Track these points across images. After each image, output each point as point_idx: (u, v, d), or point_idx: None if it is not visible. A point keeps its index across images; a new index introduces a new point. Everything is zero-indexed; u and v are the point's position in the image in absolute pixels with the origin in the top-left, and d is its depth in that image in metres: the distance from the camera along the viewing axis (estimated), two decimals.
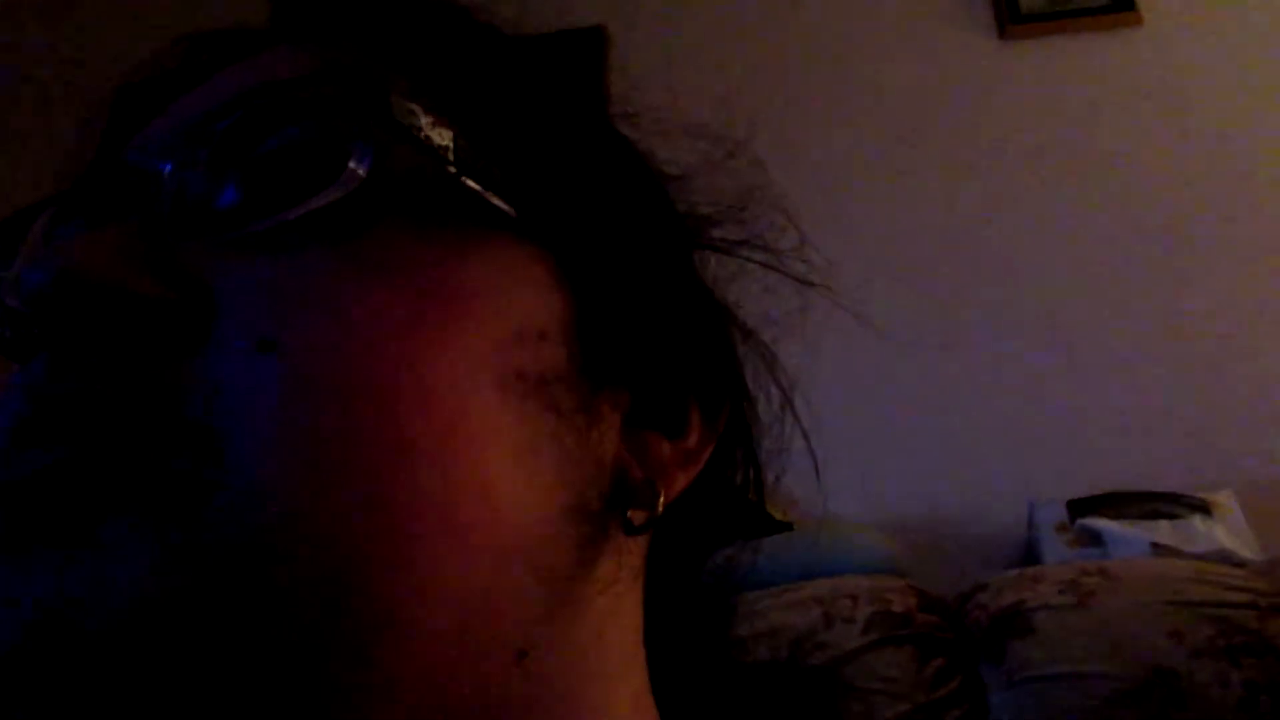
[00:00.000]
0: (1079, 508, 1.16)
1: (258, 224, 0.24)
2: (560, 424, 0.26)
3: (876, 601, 0.96)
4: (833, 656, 0.91)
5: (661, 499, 0.27)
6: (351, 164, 0.24)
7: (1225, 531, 1.09)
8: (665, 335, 0.30)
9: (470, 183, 0.26)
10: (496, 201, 0.26)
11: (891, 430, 1.36)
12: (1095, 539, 1.12)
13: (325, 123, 0.25)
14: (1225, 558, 1.02)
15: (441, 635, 0.22)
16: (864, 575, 1.05)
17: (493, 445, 0.24)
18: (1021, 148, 1.48)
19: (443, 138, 0.25)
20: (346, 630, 0.21)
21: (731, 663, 0.35)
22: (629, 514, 0.27)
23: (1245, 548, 1.08)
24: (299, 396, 0.21)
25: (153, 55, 0.33)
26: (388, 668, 0.21)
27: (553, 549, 0.25)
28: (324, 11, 0.31)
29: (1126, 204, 1.42)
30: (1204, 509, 1.13)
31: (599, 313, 0.28)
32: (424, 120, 0.25)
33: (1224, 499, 1.15)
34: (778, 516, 1.30)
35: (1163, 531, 1.09)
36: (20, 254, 0.27)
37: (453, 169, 0.25)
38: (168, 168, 0.25)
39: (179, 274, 0.23)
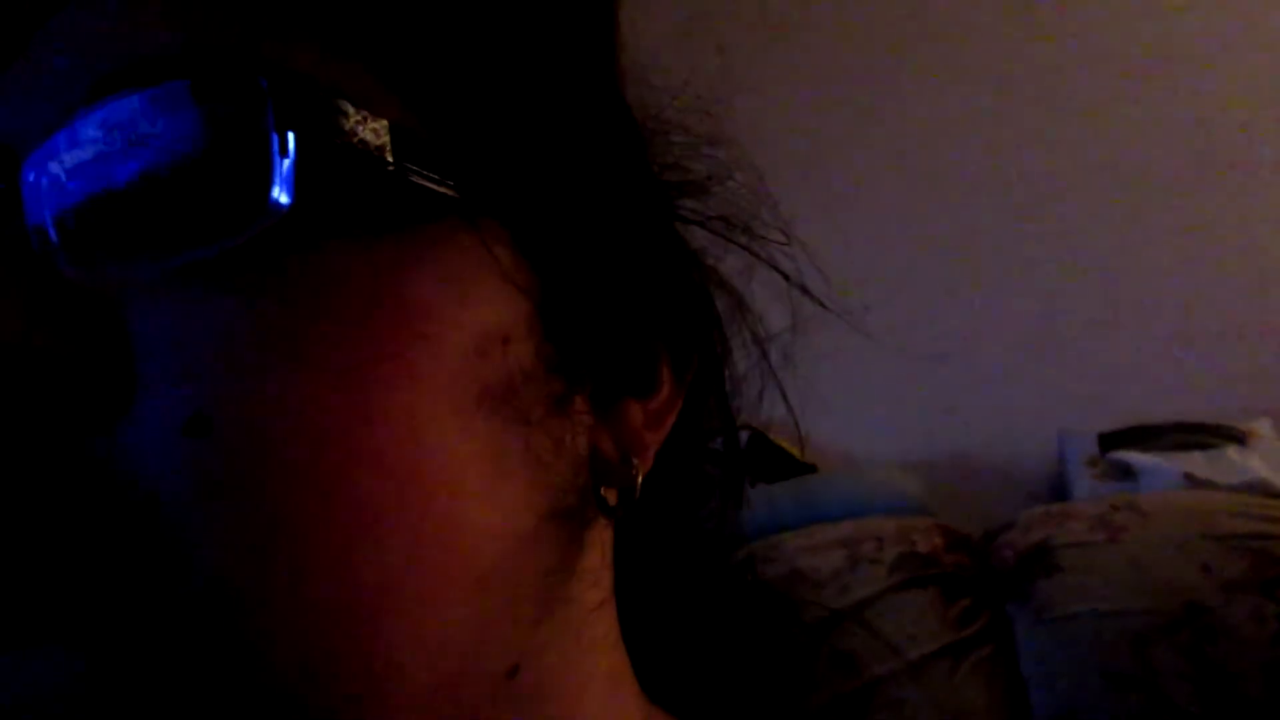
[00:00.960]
0: (1109, 441, 1.14)
1: (164, 259, 0.21)
2: (531, 433, 0.24)
3: (902, 542, 0.95)
4: (858, 599, 0.90)
5: (639, 475, 0.26)
6: (275, 191, 0.20)
7: (1262, 461, 1.06)
8: (632, 293, 0.27)
9: (413, 178, 0.22)
10: (444, 190, 0.23)
11: (916, 367, 1.34)
12: (1126, 472, 1.10)
13: (229, 128, 0.21)
14: (1262, 489, 1.00)
15: (431, 682, 0.22)
16: (889, 516, 1.04)
17: (460, 483, 0.22)
18: (1025, 54, 1.43)
19: (377, 135, 0.22)
20: (329, 708, 0.20)
21: (722, 616, 0.34)
22: (603, 492, 0.26)
23: None
24: (239, 481, 0.20)
25: None
26: None
27: (534, 562, 0.24)
28: None
29: (1155, 115, 1.37)
30: (1239, 439, 1.10)
31: (568, 294, 0.25)
32: (354, 119, 0.22)
33: (1261, 427, 1.12)
34: (799, 458, 1.27)
35: (1196, 463, 1.07)
36: None
37: (391, 166, 0.22)
38: (31, 174, 0.22)
39: (84, 319, 0.21)
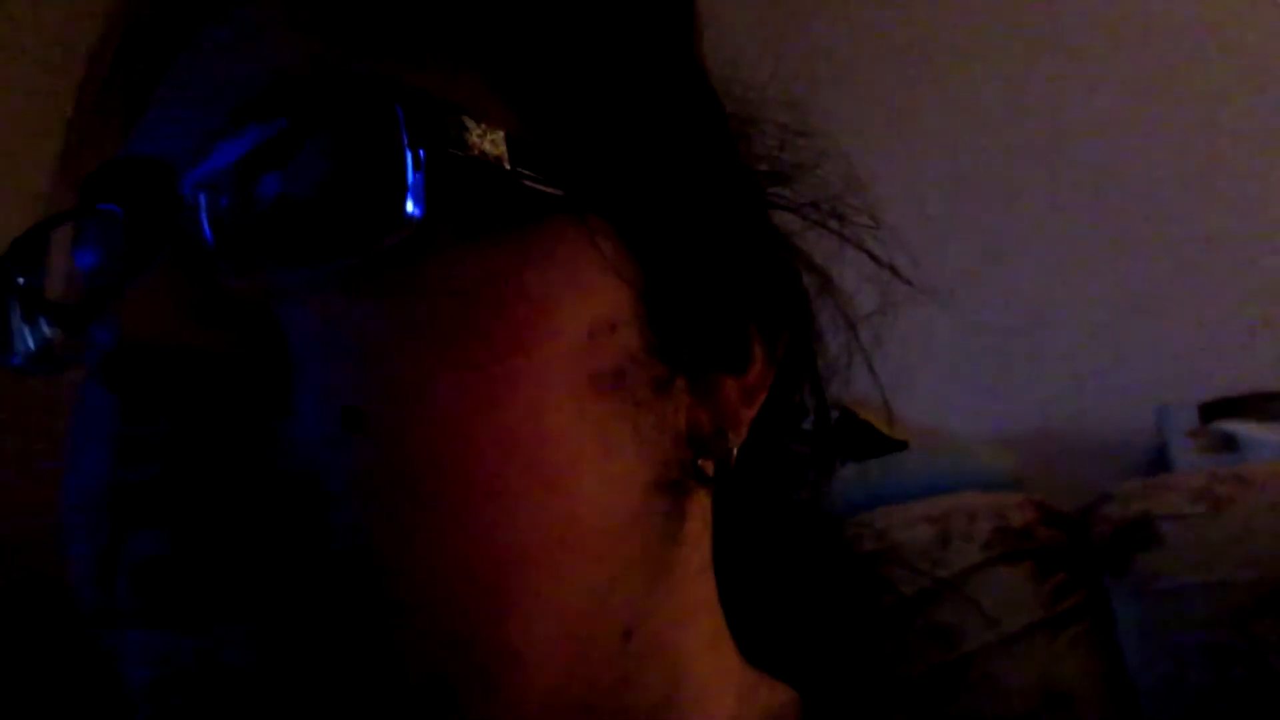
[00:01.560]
0: (1211, 411, 1.11)
1: (314, 266, 0.23)
2: (638, 412, 0.26)
3: (995, 518, 0.94)
4: (951, 574, 0.91)
5: (734, 447, 0.28)
6: (408, 204, 0.22)
7: None
8: (726, 277, 0.29)
9: (527, 182, 0.24)
10: (554, 191, 0.25)
11: (1010, 338, 1.32)
12: (1229, 443, 1.07)
13: (364, 150, 0.23)
14: None
15: (556, 647, 0.24)
16: (982, 491, 1.03)
17: (578, 461, 0.24)
18: (1118, 28, 1.39)
19: (495, 146, 0.24)
20: (470, 672, 0.23)
21: (819, 583, 0.36)
22: (700, 463, 0.28)
23: None
24: (391, 472, 0.22)
25: (110, 14, 0.30)
26: (509, 691, 0.23)
27: (643, 530, 0.26)
28: None
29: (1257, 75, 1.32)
30: None
31: (669, 283, 0.27)
32: (475, 134, 0.24)
33: None
34: (890, 434, 1.28)
35: None
36: (49, 272, 0.27)
37: (508, 173, 0.24)
38: (188, 190, 0.24)
39: (242, 320, 0.23)
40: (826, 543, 0.37)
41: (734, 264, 0.29)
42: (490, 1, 0.26)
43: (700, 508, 0.29)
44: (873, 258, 0.34)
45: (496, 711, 0.23)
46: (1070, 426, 1.24)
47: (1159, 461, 1.15)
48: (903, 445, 1.32)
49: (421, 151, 0.22)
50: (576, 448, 0.24)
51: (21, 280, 0.27)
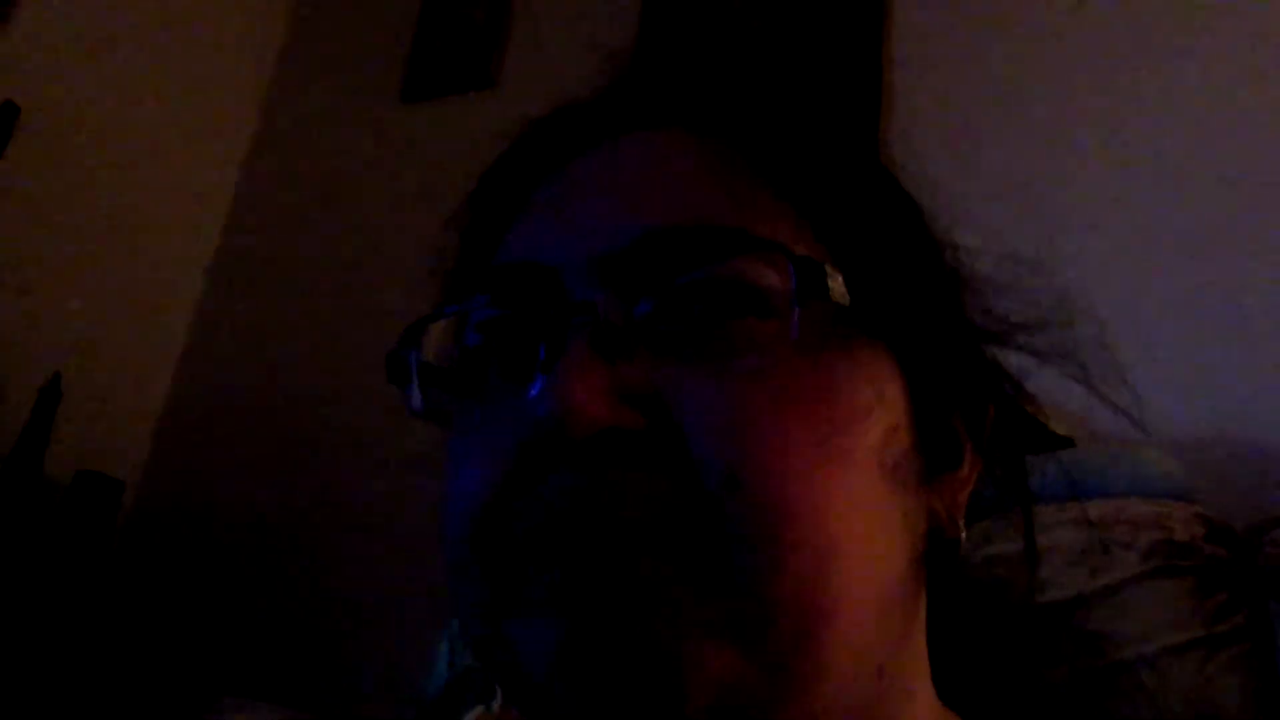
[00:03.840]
0: None
1: (710, 362, 0.31)
2: (906, 495, 0.33)
3: (1157, 528, 0.94)
4: (1107, 582, 0.92)
5: (963, 531, 0.35)
6: (794, 329, 0.31)
7: None
8: (956, 390, 0.36)
9: (858, 314, 0.32)
10: (871, 321, 0.33)
11: (1184, 337, 1.28)
12: None
13: (761, 290, 0.32)
14: None
15: (846, 665, 0.31)
16: (1146, 499, 1.02)
17: (875, 531, 0.32)
18: None
19: (839, 286, 0.32)
20: (785, 678, 0.30)
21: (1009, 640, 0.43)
22: (939, 546, 0.36)
23: None
24: (763, 524, 0.29)
25: (517, 139, 0.40)
26: (814, 693, 0.31)
27: (904, 590, 0.33)
28: (688, 99, 0.37)
29: None
30: None
31: (929, 396, 0.35)
32: (834, 283, 0.31)
33: None
34: (1057, 431, 1.27)
35: None
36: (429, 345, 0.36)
37: (846, 305, 0.32)
38: (600, 295, 0.32)
39: (644, 400, 0.31)
40: (1008, 607, 0.44)
41: (957, 378, 0.37)
42: (829, 191, 0.35)
43: (924, 595, 0.37)
44: (1106, 399, 0.41)
45: (795, 711, 0.30)
46: (1245, 435, 1.21)
47: None
48: (1068, 443, 1.31)
49: (803, 294, 0.31)
50: (876, 520, 0.32)
51: (417, 356, 0.36)
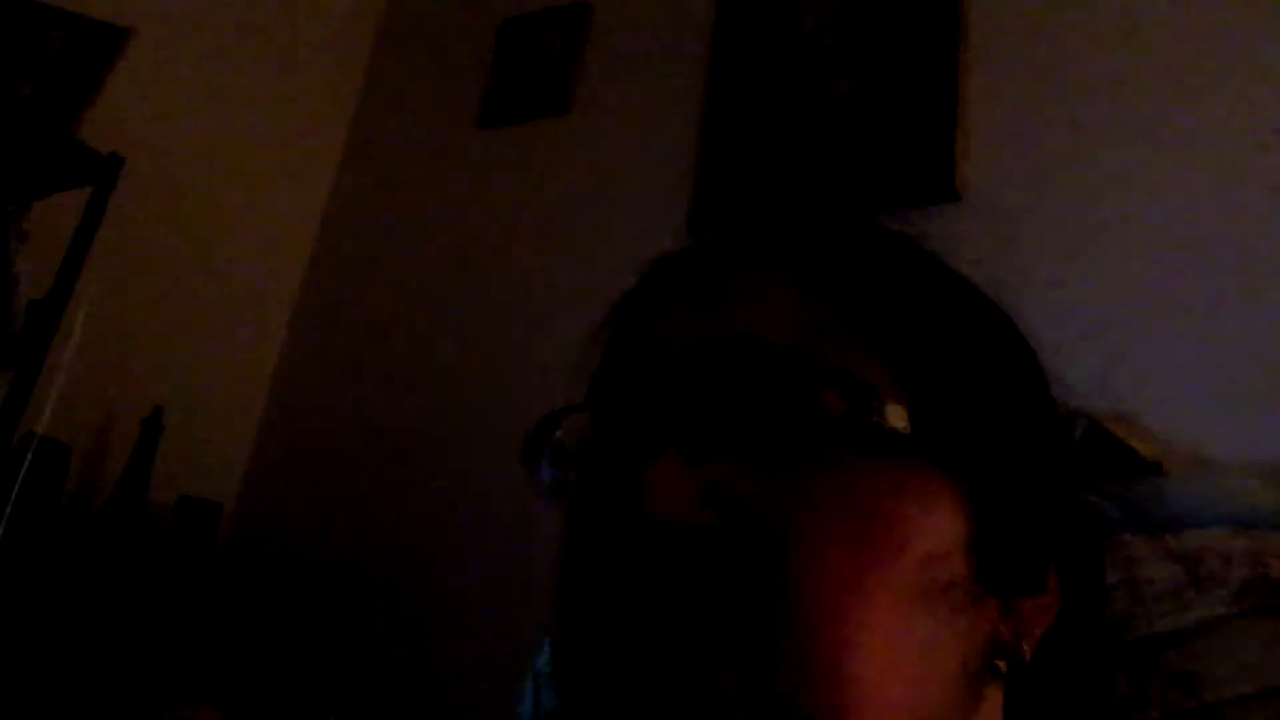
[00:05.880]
0: None
1: (770, 461, 0.34)
2: (955, 616, 0.34)
3: (1251, 564, 0.91)
4: (1199, 619, 0.89)
5: (1027, 651, 0.36)
6: (836, 445, 0.34)
7: None
8: (1038, 524, 0.37)
9: (914, 444, 0.35)
10: (931, 452, 0.35)
11: None
12: None
13: (822, 407, 0.34)
14: None
15: None
16: (1240, 529, 0.99)
17: (907, 643, 0.33)
18: None
19: (898, 417, 0.34)
20: None
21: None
22: (998, 663, 0.36)
23: None
24: (801, 624, 0.32)
25: (644, 275, 0.45)
26: None
27: (946, 704, 0.34)
28: (789, 248, 0.41)
29: None
30: None
31: (994, 533, 0.36)
32: (892, 411, 0.34)
33: None
34: (1144, 453, 1.25)
35: None
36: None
37: (906, 434, 0.34)
38: (694, 401, 0.36)
39: (718, 498, 0.34)
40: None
41: (1043, 516, 0.38)
42: (906, 326, 0.38)
43: (994, 694, 0.37)
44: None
45: None
46: None
47: None
48: (1156, 468, 1.27)
49: (854, 418, 0.34)
50: (908, 632, 0.33)
51: (556, 435, 0.41)
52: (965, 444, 0.36)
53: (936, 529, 0.35)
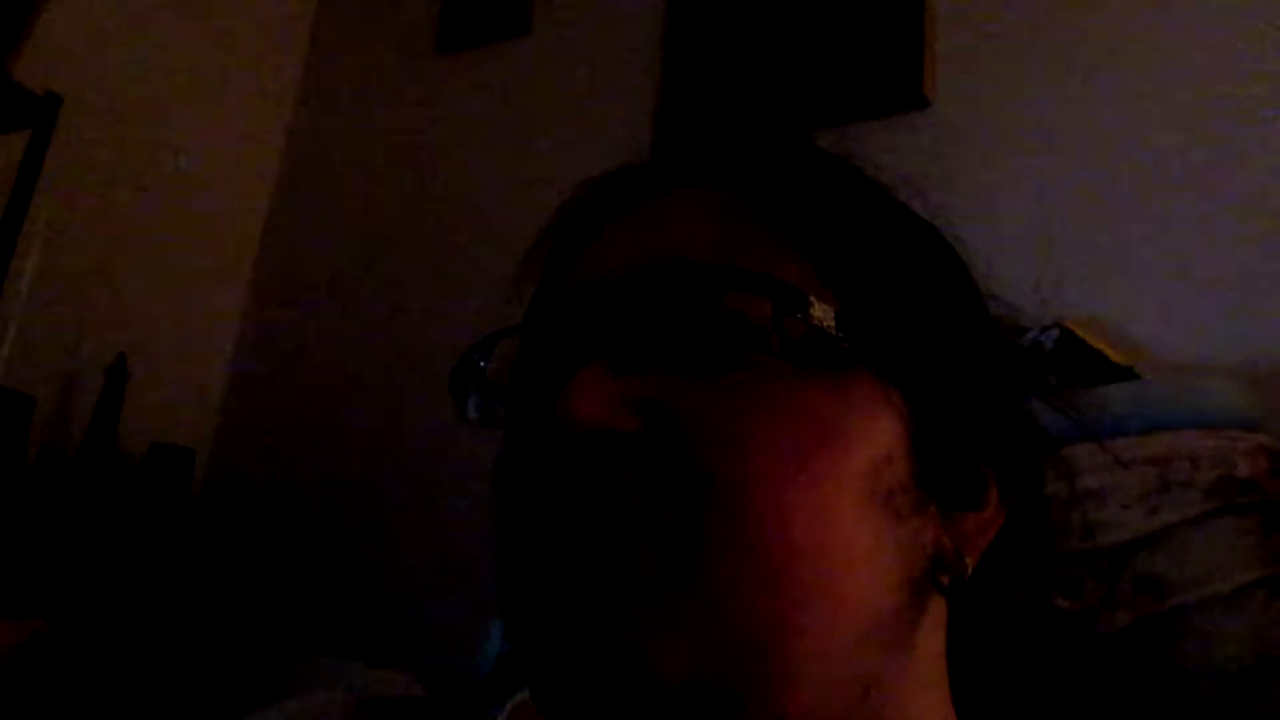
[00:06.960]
0: None
1: (705, 376, 0.33)
2: (899, 524, 0.34)
3: (1220, 464, 0.91)
4: (1167, 522, 0.89)
5: (969, 566, 0.35)
6: (771, 348, 0.33)
7: None
8: (974, 434, 0.36)
9: (845, 344, 0.34)
10: (864, 355, 0.34)
11: (1256, 257, 1.22)
12: None
13: (747, 309, 0.34)
14: None
15: (815, 683, 0.32)
16: (1209, 430, 0.98)
17: (853, 547, 0.32)
18: None
19: (827, 316, 0.34)
20: (767, 675, 0.31)
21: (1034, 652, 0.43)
22: (939, 576, 0.36)
23: None
24: (730, 519, 0.31)
25: (569, 197, 0.45)
26: (783, 701, 0.32)
27: (889, 612, 0.34)
28: (716, 161, 0.41)
29: None
30: None
31: (933, 431, 0.36)
32: (816, 310, 0.34)
33: None
34: (1115, 359, 1.24)
35: None
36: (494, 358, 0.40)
37: (833, 337, 0.34)
38: (618, 319, 0.35)
39: (644, 407, 0.33)
40: (1046, 636, 0.44)
41: (983, 424, 0.37)
42: (833, 231, 0.38)
43: (937, 608, 0.37)
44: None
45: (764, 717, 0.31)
46: None
47: None
48: (1129, 373, 1.26)
49: (784, 320, 0.33)
50: (851, 539, 0.33)
51: (482, 364, 0.40)
52: (898, 346, 0.36)
53: (875, 432, 0.34)
